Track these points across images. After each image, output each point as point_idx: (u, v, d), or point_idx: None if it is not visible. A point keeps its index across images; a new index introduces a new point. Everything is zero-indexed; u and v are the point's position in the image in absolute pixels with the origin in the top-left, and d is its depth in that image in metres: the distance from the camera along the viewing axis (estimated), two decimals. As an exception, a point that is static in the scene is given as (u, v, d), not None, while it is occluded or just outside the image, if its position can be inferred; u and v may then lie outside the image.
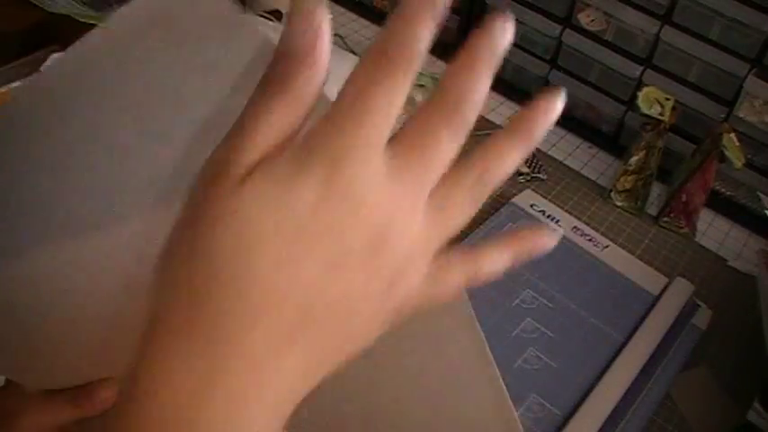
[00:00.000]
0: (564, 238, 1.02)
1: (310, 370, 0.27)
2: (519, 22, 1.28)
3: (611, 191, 1.12)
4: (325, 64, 0.27)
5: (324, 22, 0.26)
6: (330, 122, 0.26)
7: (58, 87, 0.34)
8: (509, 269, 0.32)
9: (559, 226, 1.03)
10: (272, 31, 1.11)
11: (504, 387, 0.38)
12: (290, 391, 0.27)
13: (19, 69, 1.02)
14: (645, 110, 1.08)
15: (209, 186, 0.26)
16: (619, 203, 1.11)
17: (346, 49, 1.26)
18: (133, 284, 0.34)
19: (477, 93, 0.28)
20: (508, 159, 0.30)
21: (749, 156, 1.06)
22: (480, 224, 0.99)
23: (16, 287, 0.36)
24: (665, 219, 1.10)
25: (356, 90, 0.26)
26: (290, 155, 0.26)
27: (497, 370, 0.38)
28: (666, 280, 0.98)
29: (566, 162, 1.17)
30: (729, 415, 0.85)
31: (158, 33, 0.32)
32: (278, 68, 0.27)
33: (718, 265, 1.06)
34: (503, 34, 0.29)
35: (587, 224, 1.06)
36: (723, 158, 1.04)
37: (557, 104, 0.31)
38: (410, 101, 0.27)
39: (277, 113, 0.27)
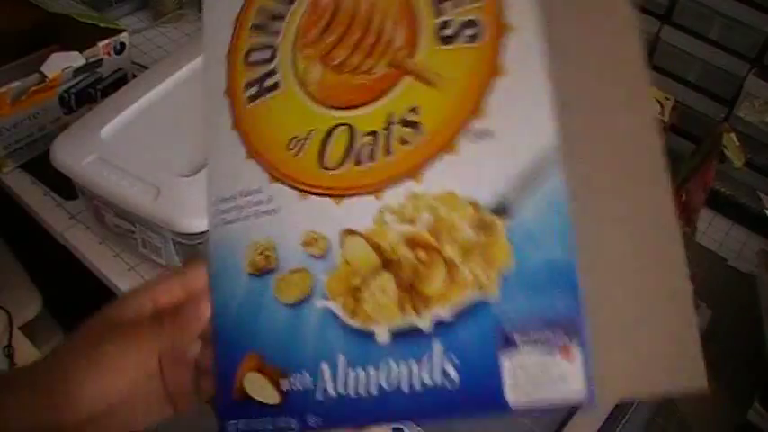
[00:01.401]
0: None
1: None
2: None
3: (611, 190, 1.12)
4: None
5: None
6: None
7: None
8: None
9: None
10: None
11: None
12: None
13: (19, 69, 1.02)
14: (645, 109, 1.08)
15: None
16: (619, 203, 1.11)
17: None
18: None
19: None
20: None
21: (749, 155, 1.05)
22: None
23: None
24: (665, 218, 1.10)
25: None
26: None
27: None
28: (666, 280, 0.98)
29: (566, 162, 1.17)
30: (729, 414, 0.85)
31: None
32: None
33: (718, 264, 1.06)
34: None
35: (587, 224, 1.06)
36: (723, 158, 1.04)
37: None
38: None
39: None
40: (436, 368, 0.36)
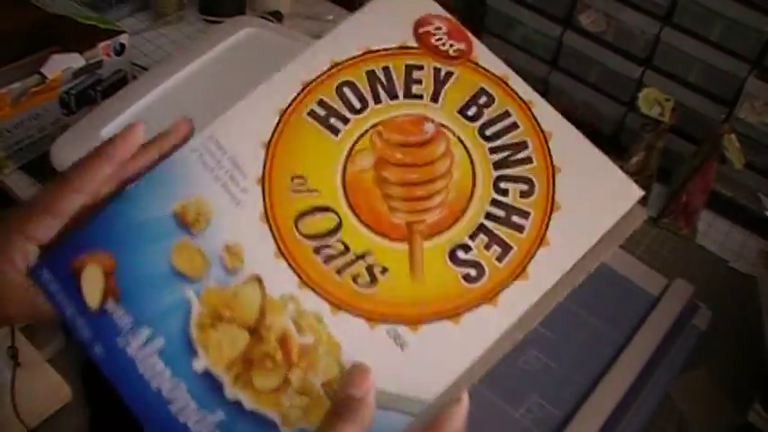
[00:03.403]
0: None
1: None
2: (519, 23, 1.28)
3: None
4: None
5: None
6: None
7: None
8: None
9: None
10: (271, 32, 1.11)
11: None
12: None
13: (19, 70, 1.02)
14: (645, 111, 1.08)
15: None
16: (619, 204, 1.11)
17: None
18: None
19: None
20: None
21: (749, 157, 1.05)
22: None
23: None
24: (666, 220, 1.10)
25: None
26: None
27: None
28: (666, 281, 0.98)
29: (566, 163, 1.17)
30: (729, 416, 0.85)
31: None
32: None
33: (718, 266, 1.06)
34: None
35: (587, 225, 1.06)
36: (723, 159, 1.04)
37: None
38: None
39: None
40: (206, 425, 0.40)
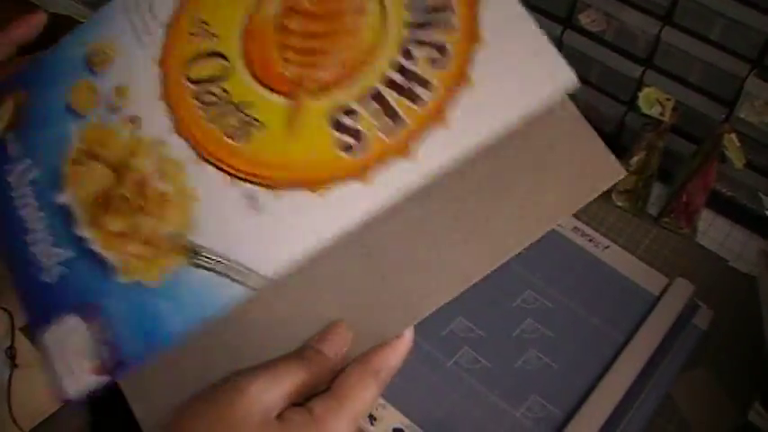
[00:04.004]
0: (564, 238, 1.02)
1: None
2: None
3: (611, 191, 1.12)
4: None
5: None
6: None
7: None
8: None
9: (560, 226, 1.03)
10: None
11: None
12: None
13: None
14: (645, 110, 1.08)
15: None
16: (619, 204, 1.11)
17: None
18: None
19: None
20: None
21: (750, 156, 1.05)
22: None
23: None
24: (666, 219, 1.10)
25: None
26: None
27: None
28: (667, 280, 0.98)
29: (566, 162, 1.17)
30: (730, 415, 0.85)
31: None
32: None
33: (718, 265, 1.06)
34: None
35: (588, 224, 1.06)
36: (724, 159, 1.04)
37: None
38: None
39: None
40: (52, 259, 0.40)
